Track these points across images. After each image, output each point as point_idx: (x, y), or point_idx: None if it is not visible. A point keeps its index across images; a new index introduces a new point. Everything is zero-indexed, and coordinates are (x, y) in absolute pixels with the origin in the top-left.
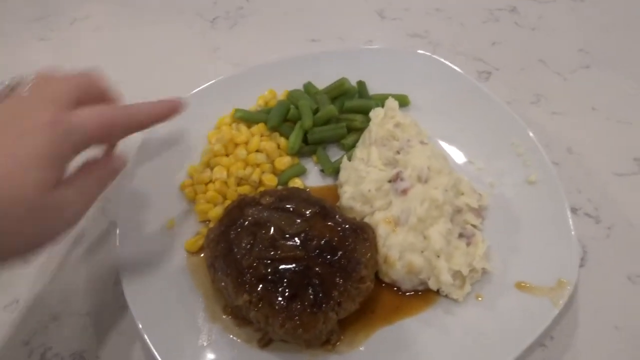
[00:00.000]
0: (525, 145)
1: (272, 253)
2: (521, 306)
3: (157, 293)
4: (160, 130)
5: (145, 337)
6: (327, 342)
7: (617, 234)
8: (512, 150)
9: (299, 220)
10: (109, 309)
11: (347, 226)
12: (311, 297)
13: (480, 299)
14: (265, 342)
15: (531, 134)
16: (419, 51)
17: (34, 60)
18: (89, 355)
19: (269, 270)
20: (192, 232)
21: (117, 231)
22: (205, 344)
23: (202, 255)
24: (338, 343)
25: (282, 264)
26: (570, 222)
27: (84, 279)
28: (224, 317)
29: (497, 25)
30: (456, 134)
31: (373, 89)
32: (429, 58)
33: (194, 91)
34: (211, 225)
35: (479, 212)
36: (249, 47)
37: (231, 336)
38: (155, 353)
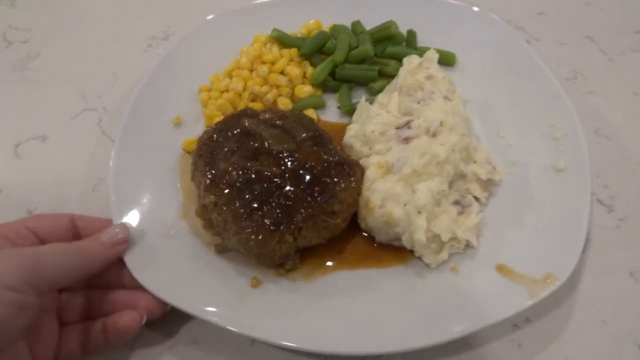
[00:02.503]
0: (565, 130)
1: (249, 164)
2: (496, 288)
3: (142, 181)
4: (196, 37)
5: (113, 214)
6: (281, 266)
7: (629, 227)
8: (549, 132)
9: (289, 141)
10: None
11: (335, 159)
12: (273, 215)
13: (455, 271)
14: (220, 249)
15: (577, 120)
16: (474, 8)
17: None
18: None
19: (242, 178)
20: (196, 134)
21: (122, 123)
22: (166, 236)
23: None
24: (293, 270)
25: (256, 176)
26: (586, 223)
27: None
28: (195, 217)
29: None
30: (495, 104)
31: (423, 41)
32: (487, 16)
33: (239, 6)
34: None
35: (487, 185)
36: None
37: (192, 236)
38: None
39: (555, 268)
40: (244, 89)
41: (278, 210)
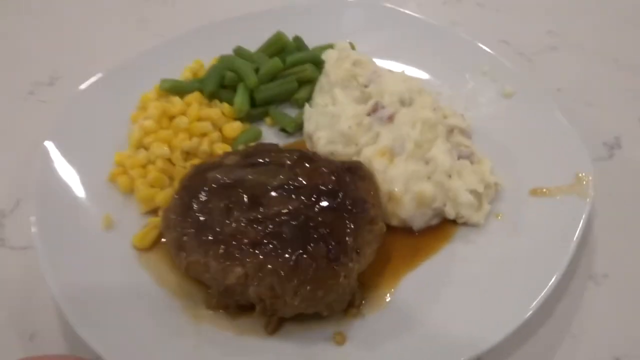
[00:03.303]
0: (488, 62)
1: (257, 213)
2: (547, 213)
3: (118, 315)
4: (70, 123)
5: None
6: (351, 305)
7: None
8: (476, 70)
9: (280, 171)
10: None
11: (337, 167)
12: (323, 250)
13: (499, 217)
14: (274, 326)
15: (486, 48)
16: None
17: None
18: None
19: (261, 232)
20: (135, 228)
21: (39, 254)
22: (199, 355)
23: (155, 251)
24: (363, 303)
25: (276, 221)
26: (564, 120)
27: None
28: (209, 312)
29: None
30: (412, 71)
31: (310, 43)
32: (365, 4)
33: (103, 74)
34: (161, 212)
35: (468, 132)
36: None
37: (228, 332)
38: None
39: (577, 166)
40: (172, 150)
41: (323, 243)
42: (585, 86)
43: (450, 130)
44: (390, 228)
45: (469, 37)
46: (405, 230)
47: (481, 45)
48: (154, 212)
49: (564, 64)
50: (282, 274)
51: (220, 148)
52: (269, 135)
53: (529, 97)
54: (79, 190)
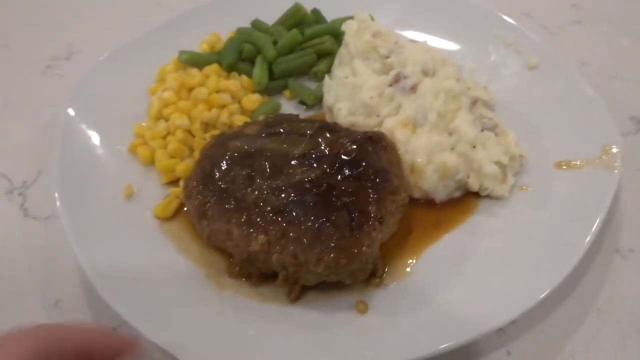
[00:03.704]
0: (512, 34)
1: (279, 181)
2: (573, 186)
3: (142, 282)
4: (89, 95)
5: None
6: (373, 275)
7: None
8: (500, 42)
9: (302, 140)
10: None
11: (359, 137)
12: (346, 219)
13: (524, 189)
14: (296, 294)
15: (511, 21)
16: None
17: None
18: None
19: (284, 200)
20: (156, 199)
21: (64, 223)
22: (222, 321)
23: (177, 220)
24: (385, 273)
25: (299, 189)
26: (590, 90)
27: None
28: (231, 281)
29: None
30: (434, 42)
31: (328, 17)
32: None
33: (120, 46)
34: (182, 183)
35: (492, 105)
36: None
37: (250, 300)
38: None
39: (604, 138)
40: (191, 121)
41: (347, 212)
42: (611, 60)
43: (474, 102)
44: (412, 200)
45: (492, 9)
46: (427, 203)
47: (505, 17)
48: (174, 182)
49: (589, 38)
50: (305, 241)
51: (239, 120)
52: (288, 108)
53: (554, 68)
54: (100, 161)
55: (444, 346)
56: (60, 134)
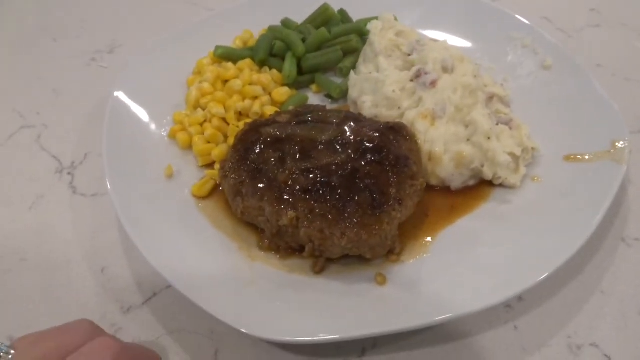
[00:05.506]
0: (529, 36)
1: (307, 164)
2: (583, 177)
3: (181, 251)
4: (131, 85)
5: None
6: (391, 252)
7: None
8: (517, 43)
9: (329, 128)
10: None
11: (382, 126)
12: (368, 199)
13: (536, 179)
14: (320, 266)
15: (526, 21)
16: None
17: None
18: None
19: (312, 180)
20: (194, 180)
21: (113, 197)
22: (254, 289)
23: (212, 199)
24: (402, 250)
25: (325, 171)
26: (601, 89)
27: None
28: (262, 253)
29: None
30: (453, 42)
31: (354, 17)
32: None
33: (161, 39)
34: (217, 166)
35: (507, 101)
36: None
37: (280, 271)
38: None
39: (613, 133)
40: (226, 110)
41: (369, 193)
42: (625, 63)
43: (490, 98)
44: (429, 187)
45: (510, 12)
46: (443, 190)
47: (522, 19)
48: (210, 166)
49: (605, 41)
50: (331, 217)
51: (270, 110)
52: (315, 100)
53: (569, 68)
54: (143, 145)
55: (455, 314)
56: (108, 120)
